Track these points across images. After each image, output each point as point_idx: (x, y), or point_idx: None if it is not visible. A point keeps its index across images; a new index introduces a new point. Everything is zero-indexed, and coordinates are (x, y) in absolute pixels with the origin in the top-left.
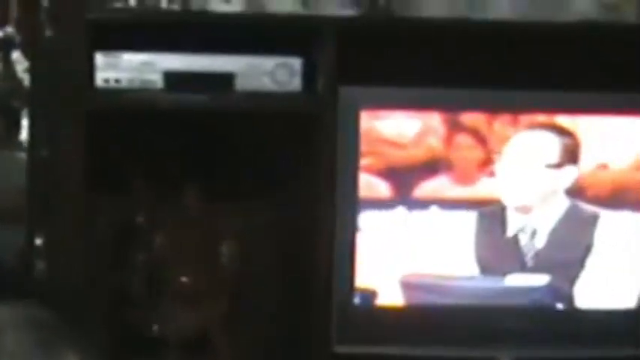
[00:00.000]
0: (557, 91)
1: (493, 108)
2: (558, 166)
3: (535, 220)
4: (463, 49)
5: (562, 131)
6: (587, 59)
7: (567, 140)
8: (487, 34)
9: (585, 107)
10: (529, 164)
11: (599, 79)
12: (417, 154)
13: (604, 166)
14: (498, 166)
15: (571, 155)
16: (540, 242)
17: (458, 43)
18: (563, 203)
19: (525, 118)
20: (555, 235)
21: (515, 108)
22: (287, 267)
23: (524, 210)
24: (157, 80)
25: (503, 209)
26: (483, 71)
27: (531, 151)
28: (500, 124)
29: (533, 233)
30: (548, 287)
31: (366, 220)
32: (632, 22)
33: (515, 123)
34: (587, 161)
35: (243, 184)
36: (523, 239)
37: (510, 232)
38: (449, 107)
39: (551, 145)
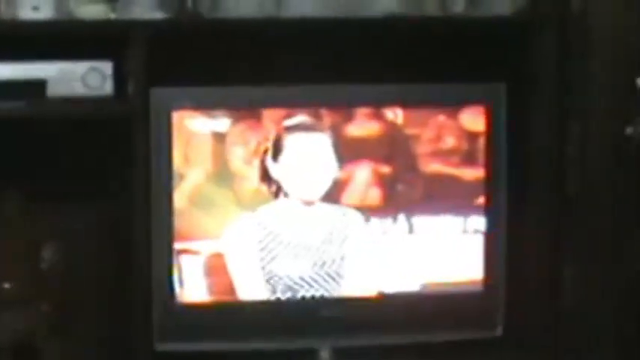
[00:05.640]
0: (366, 85)
1: (298, 104)
2: None
3: None
4: (273, 47)
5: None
6: (395, 52)
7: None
8: (294, 31)
9: (404, 99)
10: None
11: (407, 71)
12: None
13: None
14: None
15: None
16: None
17: (267, 42)
18: None
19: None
20: None
21: (319, 103)
22: (108, 268)
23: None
24: None
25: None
26: (293, 68)
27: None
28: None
29: None
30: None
31: None
32: (436, 15)
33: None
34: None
35: (62, 188)
36: None
37: None
38: (263, 104)
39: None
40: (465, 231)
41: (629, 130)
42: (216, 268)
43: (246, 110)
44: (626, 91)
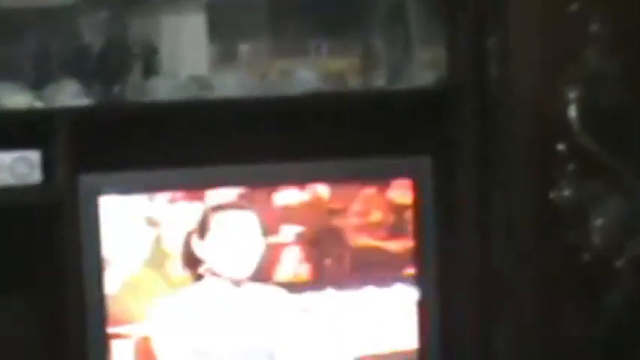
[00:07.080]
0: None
1: (226, 184)
2: None
3: None
4: (199, 129)
5: None
6: (320, 129)
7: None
8: (219, 112)
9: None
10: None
11: (332, 147)
12: None
13: None
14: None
15: None
16: None
17: (193, 124)
18: None
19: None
20: None
21: (247, 183)
22: (41, 357)
23: None
24: None
25: None
26: (220, 149)
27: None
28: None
29: None
30: None
31: None
32: (358, 90)
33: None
34: None
35: None
36: None
37: None
38: (191, 186)
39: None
40: (397, 302)
41: (552, 195)
42: (144, 351)
43: (175, 193)
44: (548, 156)
